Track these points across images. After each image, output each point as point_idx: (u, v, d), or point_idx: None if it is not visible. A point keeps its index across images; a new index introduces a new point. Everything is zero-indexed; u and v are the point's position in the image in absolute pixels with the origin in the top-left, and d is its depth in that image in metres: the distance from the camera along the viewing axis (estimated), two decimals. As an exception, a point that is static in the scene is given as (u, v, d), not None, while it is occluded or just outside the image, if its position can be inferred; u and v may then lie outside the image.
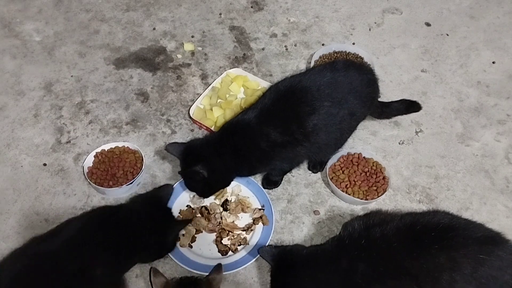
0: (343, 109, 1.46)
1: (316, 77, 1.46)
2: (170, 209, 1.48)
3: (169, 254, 1.44)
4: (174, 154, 1.51)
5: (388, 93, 1.85)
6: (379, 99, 1.67)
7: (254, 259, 1.45)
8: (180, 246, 1.47)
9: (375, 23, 2.16)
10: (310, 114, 1.41)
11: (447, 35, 2.10)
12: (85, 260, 1.22)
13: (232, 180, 1.53)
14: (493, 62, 1.98)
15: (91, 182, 1.59)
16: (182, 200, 1.59)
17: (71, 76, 1.96)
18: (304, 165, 1.68)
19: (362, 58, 1.93)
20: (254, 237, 1.51)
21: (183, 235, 1.49)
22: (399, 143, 1.75)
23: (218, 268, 1.32)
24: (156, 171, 1.68)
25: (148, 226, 1.34)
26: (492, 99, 1.87)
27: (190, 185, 1.50)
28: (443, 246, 1.18)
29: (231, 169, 1.47)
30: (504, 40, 2.07)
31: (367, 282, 1.21)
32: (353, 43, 2.05)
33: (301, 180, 1.66)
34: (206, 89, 1.85)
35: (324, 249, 1.32)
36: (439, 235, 1.20)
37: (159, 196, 1.47)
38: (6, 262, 1.30)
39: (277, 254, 1.32)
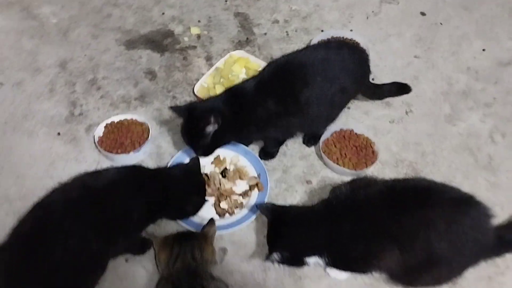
0: (335, 85, 1.57)
1: (311, 54, 1.58)
2: (203, 180, 1.60)
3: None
4: (178, 113, 1.61)
5: (381, 77, 1.96)
6: (372, 81, 1.79)
7: (249, 221, 1.57)
8: None
9: (373, 12, 2.27)
10: (303, 87, 1.53)
11: (441, 24, 2.21)
12: (126, 203, 1.36)
13: (232, 140, 1.62)
14: (483, 50, 2.09)
15: (101, 150, 1.72)
16: (184, 168, 1.71)
17: (85, 55, 2.10)
18: (299, 139, 1.80)
19: (358, 44, 2.04)
20: (250, 202, 1.63)
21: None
22: (390, 122, 1.86)
23: (211, 222, 1.45)
24: (162, 142, 1.81)
25: (182, 189, 1.49)
26: (480, 84, 1.97)
27: (194, 139, 1.58)
28: (420, 206, 1.28)
29: (233, 128, 1.56)
30: (495, 30, 2.18)
31: (351, 238, 1.32)
32: (351, 30, 2.16)
33: (296, 153, 1.78)
34: (210, 69, 1.98)
35: (314, 209, 1.43)
36: (417, 195, 1.31)
37: (195, 166, 1.58)
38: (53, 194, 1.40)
39: (274, 210, 1.43)
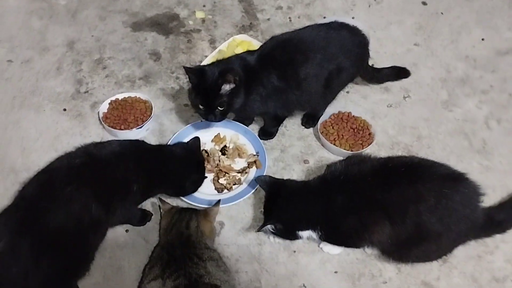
0: (333, 64, 1.62)
1: (312, 32, 1.63)
2: (202, 159, 1.64)
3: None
4: (192, 73, 1.56)
5: (381, 63, 2.00)
6: (372, 65, 1.83)
7: (246, 196, 1.62)
8: None
9: (375, 0, 2.31)
10: (303, 62, 1.58)
11: (442, 14, 2.24)
12: (126, 174, 1.41)
13: (240, 107, 1.60)
14: (483, 39, 2.12)
15: (105, 125, 1.77)
16: (185, 144, 1.76)
17: (92, 36, 2.16)
18: (298, 121, 1.85)
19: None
20: (248, 179, 1.67)
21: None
22: (388, 106, 1.89)
23: (217, 203, 1.51)
24: (164, 120, 1.86)
25: (181, 166, 1.54)
26: (478, 72, 2.00)
27: (209, 99, 1.54)
28: (411, 181, 1.32)
29: (243, 93, 1.57)
30: (495, 20, 2.21)
31: (344, 212, 1.37)
32: (353, 17, 2.20)
33: (294, 134, 1.82)
34: (213, 51, 2.02)
35: (309, 184, 1.48)
36: (408, 171, 1.35)
37: (195, 145, 1.62)
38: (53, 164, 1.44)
39: (271, 183, 1.48)
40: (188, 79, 1.60)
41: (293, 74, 1.58)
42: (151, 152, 1.54)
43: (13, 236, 1.27)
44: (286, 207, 1.42)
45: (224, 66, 1.56)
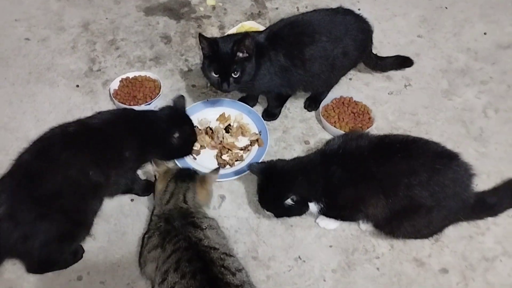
0: (338, 48, 1.69)
1: (319, 15, 1.71)
2: (188, 117, 1.66)
3: (176, 162, 1.68)
4: (207, 42, 1.61)
5: (384, 53, 2.05)
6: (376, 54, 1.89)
7: (247, 172, 1.67)
8: None
9: (381, -7, 2.38)
10: (309, 44, 1.65)
11: (446, 8, 2.30)
12: (119, 140, 1.47)
13: (251, 79, 1.65)
14: (485, 33, 2.17)
15: (115, 101, 1.85)
16: (191, 121, 1.83)
17: (106, 18, 2.25)
18: (301, 104, 1.91)
19: (364, 21, 2.14)
20: (250, 156, 1.74)
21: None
22: (389, 93, 1.95)
23: (216, 170, 1.53)
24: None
25: (166, 123, 1.57)
26: (478, 64, 2.06)
27: (225, 66, 1.59)
28: (405, 156, 1.38)
29: (254, 64, 1.63)
30: (498, 15, 2.26)
31: (342, 184, 1.42)
32: (358, 9, 2.26)
33: (297, 116, 1.89)
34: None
35: (309, 157, 1.52)
36: (403, 146, 1.40)
37: (179, 102, 1.66)
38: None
39: (262, 168, 1.52)
40: (201, 50, 1.67)
41: (299, 54, 1.65)
42: (138, 118, 1.58)
43: (12, 201, 1.31)
44: (300, 181, 1.45)
45: (240, 35, 1.62)
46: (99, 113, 1.56)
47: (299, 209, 1.50)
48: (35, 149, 1.41)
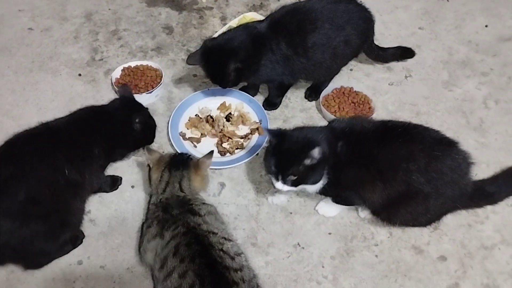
0: (340, 36, 1.69)
1: (321, 2, 1.70)
2: (140, 103, 1.65)
3: (176, 149, 1.69)
4: (195, 61, 1.68)
5: (386, 45, 2.05)
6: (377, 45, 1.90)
7: (247, 160, 1.69)
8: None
9: (383, -14, 2.38)
10: (311, 31, 1.65)
11: (448, 1, 2.30)
12: (86, 139, 1.47)
13: (251, 68, 1.69)
14: (486, 26, 2.17)
15: (117, 89, 1.86)
16: (192, 110, 1.84)
17: (109, 9, 2.26)
18: (301, 94, 1.92)
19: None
20: (250, 144, 1.75)
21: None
22: (389, 84, 1.96)
23: (210, 153, 1.50)
24: (173, 89, 1.95)
25: (121, 111, 1.57)
26: (479, 56, 2.06)
27: (220, 75, 1.67)
28: (405, 140, 1.38)
29: (252, 57, 1.66)
30: (499, 9, 2.26)
31: (346, 161, 1.41)
32: (360, 1, 2.26)
33: (297, 106, 1.90)
34: (223, 27, 2.11)
35: (321, 128, 1.51)
36: (404, 131, 1.41)
37: (125, 92, 1.66)
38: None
39: (279, 133, 1.47)
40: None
41: (301, 42, 1.66)
42: (98, 113, 1.58)
43: None
44: (322, 138, 1.41)
45: (227, 47, 1.64)
46: (67, 115, 1.57)
47: (319, 172, 1.41)
48: (2, 156, 1.40)
